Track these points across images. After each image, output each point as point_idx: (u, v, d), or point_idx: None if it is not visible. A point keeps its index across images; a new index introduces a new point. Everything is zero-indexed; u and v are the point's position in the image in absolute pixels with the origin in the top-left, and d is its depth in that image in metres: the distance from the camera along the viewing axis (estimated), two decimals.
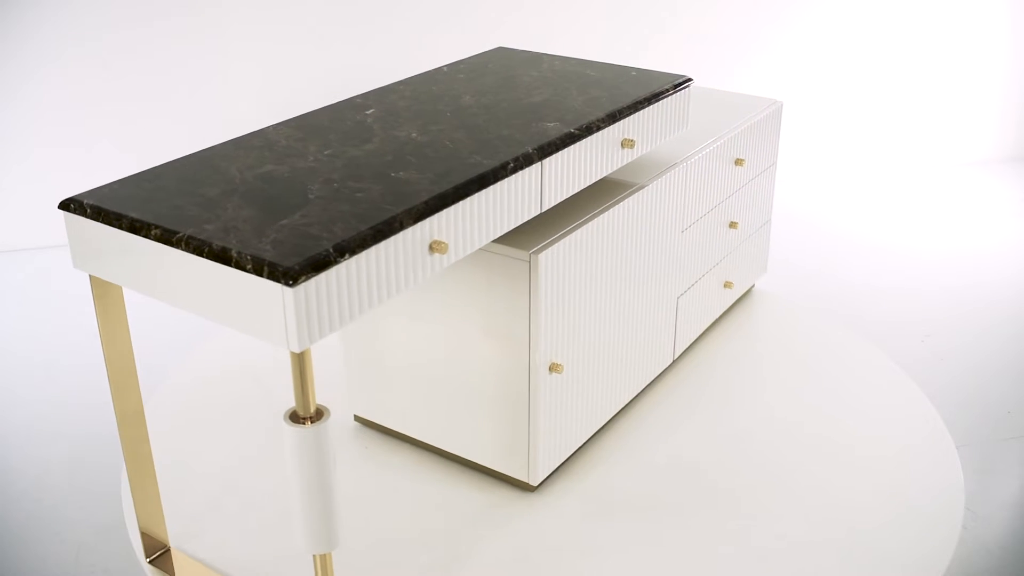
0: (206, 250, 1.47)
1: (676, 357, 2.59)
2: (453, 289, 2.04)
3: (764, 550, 2.02)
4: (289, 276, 1.39)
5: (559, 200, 1.93)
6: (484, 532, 2.06)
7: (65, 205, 1.63)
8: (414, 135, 1.89)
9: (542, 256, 1.91)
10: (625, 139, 2.07)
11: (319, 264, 1.43)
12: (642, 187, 2.21)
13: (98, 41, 3.57)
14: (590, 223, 2.04)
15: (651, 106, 2.13)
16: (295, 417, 1.55)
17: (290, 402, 2.45)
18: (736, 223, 2.67)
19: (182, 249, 1.49)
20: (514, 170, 1.77)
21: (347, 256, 1.47)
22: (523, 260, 1.92)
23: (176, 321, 3.16)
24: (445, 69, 2.33)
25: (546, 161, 1.85)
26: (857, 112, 4.54)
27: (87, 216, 1.60)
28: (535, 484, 2.14)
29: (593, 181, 2.03)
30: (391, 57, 3.96)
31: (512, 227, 1.82)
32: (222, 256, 1.45)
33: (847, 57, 4.43)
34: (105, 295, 1.72)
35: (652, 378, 2.48)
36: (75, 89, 3.64)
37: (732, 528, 2.08)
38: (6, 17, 3.35)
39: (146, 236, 1.53)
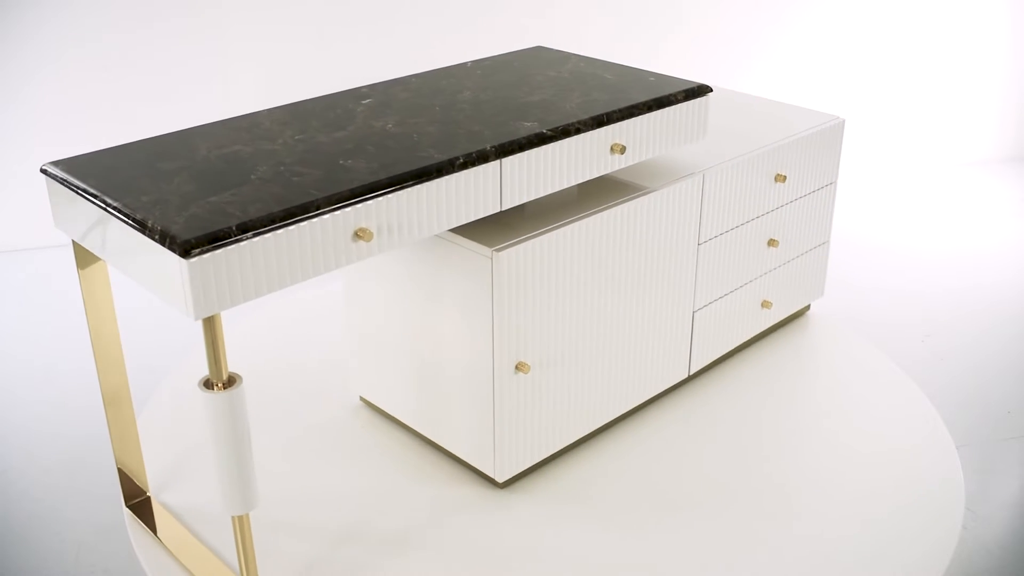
0: (130, 220, 1.57)
1: (694, 372, 2.53)
2: (434, 280, 2.08)
3: (761, 549, 2.01)
4: (185, 248, 1.48)
5: (524, 200, 1.93)
6: (440, 524, 2.09)
7: (44, 170, 1.78)
8: (389, 126, 1.94)
9: (504, 255, 1.92)
10: (615, 144, 2.04)
11: (218, 239, 1.50)
12: (644, 193, 2.17)
13: (98, 42, 3.59)
14: (569, 226, 2.02)
15: (652, 112, 2.09)
16: (208, 384, 1.64)
17: (289, 405, 2.57)
18: (776, 241, 2.57)
19: (115, 216, 1.60)
20: (464, 166, 1.79)
21: (250, 235, 1.54)
22: (485, 256, 1.93)
23: (185, 324, 3.21)
24: (468, 64, 2.36)
25: (506, 160, 1.85)
26: (857, 112, 4.50)
27: (57, 181, 1.75)
28: (501, 481, 2.15)
29: (572, 183, 2.01)
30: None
31: (462, 222, 1.84)
32: (141, 226, 1.55)
33: (847, 57, 4.41)
34: (86, 253, 1.86)
35: (659, 390, 2.43)
36: (75, 90, 3.66)
37: (722, 527, 2.06)
38: (6, 18, 3.41)
39: (92, 202, 1.65)
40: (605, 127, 2.01)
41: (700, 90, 2.18)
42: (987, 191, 4.41)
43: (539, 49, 2.49)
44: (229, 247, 1.52)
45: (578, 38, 4.10)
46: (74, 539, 2.24)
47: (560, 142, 1.94)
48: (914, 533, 2.05)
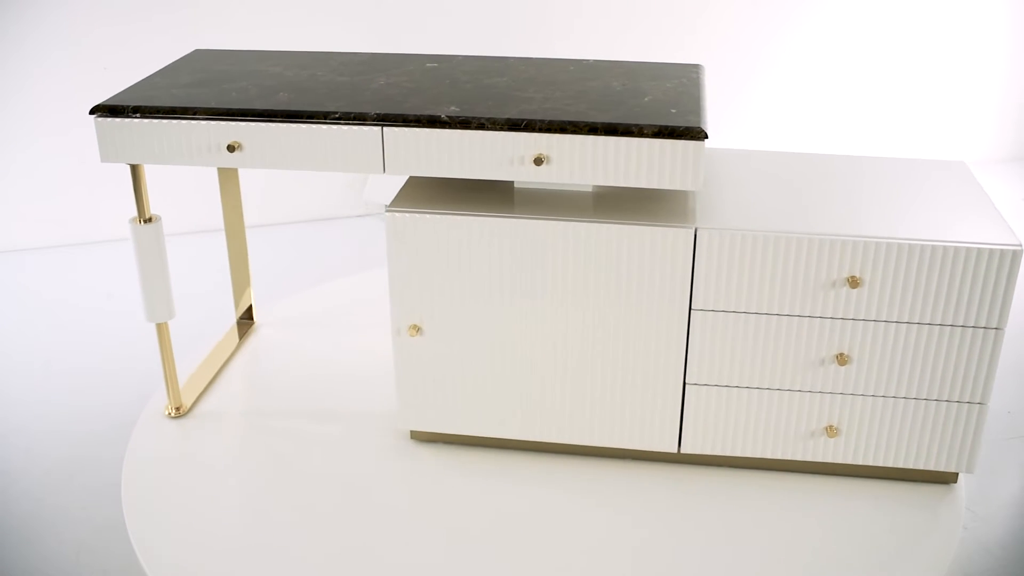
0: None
1: (689, 452, 2.23)
2: None
3: (758, 548, 2.05)
4: (92, 110, 2.11)
5: (413, 172, 2.05)
6: (330, 447, 2.37)
7: (196, 51, 2.53)
8: (383, 82, 2.23)
9: (395, 216, 2.09)
10: (539, 155, 1.99)
11: (115, 112, 2.10)
12: (589, 221, 2.04)
13: (98, 38, 3.48)
14: (473, 218, 2.07)
15: (597, 136, 1.96)
16: (136, 220, 2.26)
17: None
18: (847, 358, 2.06)
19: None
20: (338, 120, 2.03)
21: (137, 115, 2.08)
22: (386, 212, 2.13)
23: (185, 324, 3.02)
24: (585, 60, 2.39)
25: (388, 129, 2.02)
26: (857, 112, 4.39)
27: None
28: (400, 426, 2.32)
29: (476, 175, 2.03)
30: None
31: (340, 170, 2.08)
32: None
33: (847, 55, 4.29)
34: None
35: (624, 445, 2.23)
36: (75, 87, 3.54)
37: (709, 523, 2.09)
38: (5, 14, 3.34)
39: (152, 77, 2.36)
40: (521, 133, 1.98)
41: (684, 132, 1.93)
42: (987, 191, 4.11)
43: (683, 67, 2.35)
44: (118, 119, 2.10)
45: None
46: (74, 539, 2.21)
47: (459, 131, 2.00)
48: (914, 533, 2.08)
